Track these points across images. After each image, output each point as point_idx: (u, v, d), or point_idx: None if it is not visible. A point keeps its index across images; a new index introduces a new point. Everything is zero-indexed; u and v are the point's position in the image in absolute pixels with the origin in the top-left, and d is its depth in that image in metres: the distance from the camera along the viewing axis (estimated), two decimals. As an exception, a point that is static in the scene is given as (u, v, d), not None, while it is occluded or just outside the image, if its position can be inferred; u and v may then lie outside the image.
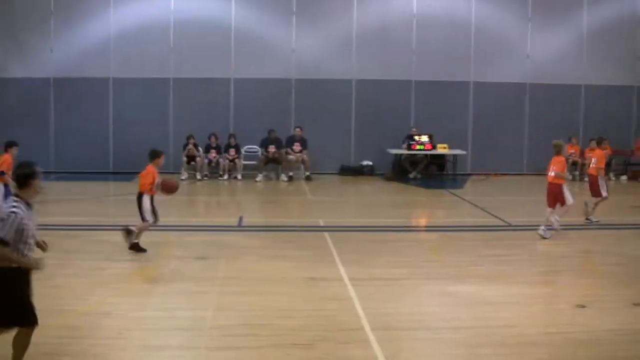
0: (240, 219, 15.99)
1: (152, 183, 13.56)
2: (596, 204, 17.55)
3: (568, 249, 14.91)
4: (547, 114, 27.02)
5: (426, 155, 25.96)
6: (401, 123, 26.13)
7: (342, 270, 12.41)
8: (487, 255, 13.89)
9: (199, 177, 24.70)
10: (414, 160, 25.97)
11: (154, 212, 13.69)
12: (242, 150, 25.51)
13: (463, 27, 26.72)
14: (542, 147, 26.25)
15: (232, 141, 25.00)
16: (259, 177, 24.71)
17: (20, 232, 7.27)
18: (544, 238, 15.31)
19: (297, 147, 25.13)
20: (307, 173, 25.08)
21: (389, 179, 25.21)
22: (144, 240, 13.56)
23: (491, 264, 13.22)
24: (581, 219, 17.41)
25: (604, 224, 17.58)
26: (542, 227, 15.47)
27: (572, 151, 26.12)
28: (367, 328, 9.37)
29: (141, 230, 13.60)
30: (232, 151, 25.15)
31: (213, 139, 25.17)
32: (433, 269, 12.80)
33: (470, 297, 10.97)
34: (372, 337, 9.03)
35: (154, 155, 13.98)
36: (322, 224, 17.06)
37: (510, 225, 17.19)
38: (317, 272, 12.31)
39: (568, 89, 27.29)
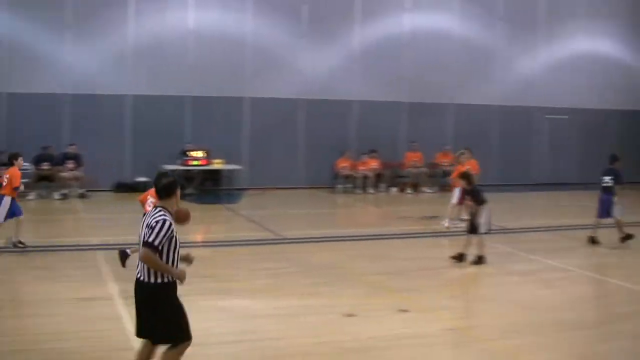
0: (10, 239, 15.33)
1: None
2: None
3: (339, 259, 15.29)
4: (321, 128, 27.68)
5: (201, 170, 25.86)
6: (177, 138, 25.87)
7: (114, 289, 12.14)
8: (260, 268, 14.01)
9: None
10: (189, 176, 25.81)
11: None
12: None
13: (239, 43, 26.88)
14: (316, 160, 27.08)
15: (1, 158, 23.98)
16: (31, 195, 23.76)
17: (169, 240, 7.32)
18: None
19: (71, 164, 24.40)
20: (82, 190, 24.38)
21: (165, 195, 24.89)
22: None
23: (263, 278, 13.35)
24: (347, 230, 17.99)
25: (373, 234, 18.27)
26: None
27: (345, 165, 26.87)
28: (138, 347, 9.23)
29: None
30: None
31: (-21, 156, 24.03)
32: (206, 284, 12.72)
33: (243, 311, 11.04)
34: (141, 356, 8.90)
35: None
36: (95, 242, 16.65)
37: (283, 239, 17.45)
38: (89, 292, 11.98)
39: (340, 104, 28.09)
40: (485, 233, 15.17)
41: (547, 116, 31.32)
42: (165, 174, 7.94)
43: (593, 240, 17.29)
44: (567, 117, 31.55)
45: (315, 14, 27.79)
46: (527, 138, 31.24)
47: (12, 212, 15.14)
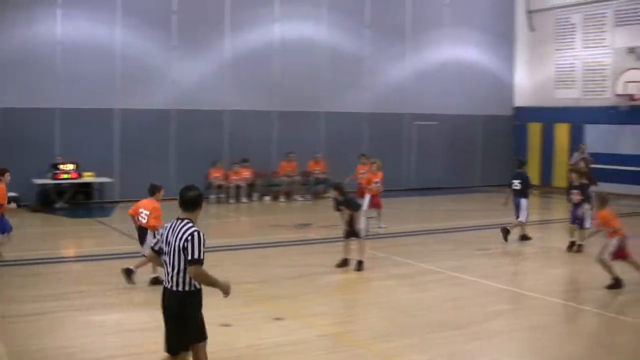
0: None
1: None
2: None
3: (214, 269, 15.18)
4: (193, 139, 27.49)
5: (72, 184, 25.32)
6: (46, 152, 25.23)
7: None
8: (136, 282, 13.84)
9: None
10: (59, 190, 25.25)
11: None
12: None
13: (108, 54, 26.35)
14: (188, 171, 26.84)
15: None
16: None
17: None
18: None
19: None
20: (-55, 208, 23.56)
21: (35, 210, 24.30)
22: None
23: (138, 291, 13.24)
24: (222, 240, 18.04)
25: (247, 244, 18.35)
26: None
27: (217, 175, 26.81)
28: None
29: (142, 265, 13.31)
30: None
31: None
32: (80, 300, 12.60)
33: (118, 325, 10.96)
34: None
35: (155, 189, 14.18)
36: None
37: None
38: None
39: (212, 114, 27.96)
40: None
41: (416, 122, 32.00)
42: (192, 186, 7.88)
43: (523, 237, 19.07)
44: (436, 123, 32.32)
45: (185, 24, 27.57)
46: (397, 144, 31.86)
47: (2, 229, 15.40)
